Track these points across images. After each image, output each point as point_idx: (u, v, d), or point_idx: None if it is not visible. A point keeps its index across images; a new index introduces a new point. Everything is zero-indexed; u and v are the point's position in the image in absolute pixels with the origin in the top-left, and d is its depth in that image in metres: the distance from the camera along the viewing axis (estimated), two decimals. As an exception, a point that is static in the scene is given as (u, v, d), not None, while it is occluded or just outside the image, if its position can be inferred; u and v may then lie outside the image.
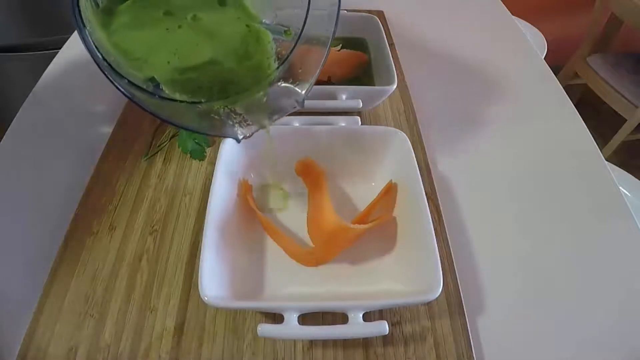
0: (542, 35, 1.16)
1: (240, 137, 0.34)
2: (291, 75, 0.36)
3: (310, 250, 0.35)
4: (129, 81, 0.29)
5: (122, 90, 0.27)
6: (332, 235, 0.35)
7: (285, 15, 0.36)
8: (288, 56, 0.35)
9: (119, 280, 0.36)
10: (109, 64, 0.27)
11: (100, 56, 0.26)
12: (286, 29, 0.36)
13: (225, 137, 0.34)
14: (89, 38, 0.25)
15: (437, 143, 0.51)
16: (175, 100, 0.32)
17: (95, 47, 0.26)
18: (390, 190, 0.39)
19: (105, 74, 0.26)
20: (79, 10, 0.24)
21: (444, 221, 0.42)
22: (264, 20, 0.37)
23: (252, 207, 0.38)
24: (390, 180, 0.40)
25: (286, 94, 0.36)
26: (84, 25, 0.25)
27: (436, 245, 0.32)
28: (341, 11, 0.32)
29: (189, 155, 0.46)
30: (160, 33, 0.31)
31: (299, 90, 0.36)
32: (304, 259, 0.36)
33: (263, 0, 0.36)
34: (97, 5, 0.31)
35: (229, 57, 0.33)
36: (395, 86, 0.47)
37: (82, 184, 0.43)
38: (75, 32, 0.25)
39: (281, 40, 0.35)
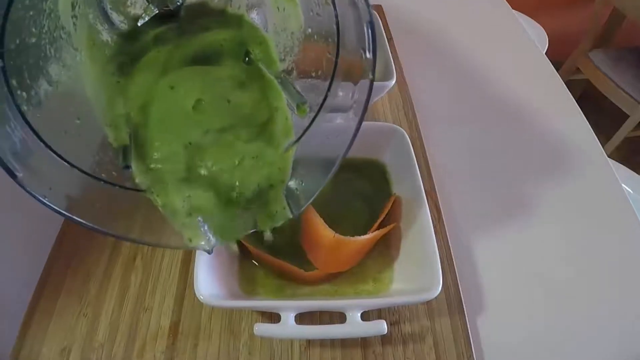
0: (543, 30, 1.15)
1: (211, 246, 0.28)
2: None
3: (314, 273, 0.33)
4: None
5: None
6: (331, 250, 0.33)
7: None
8: (298, 139, 0.29)
9: (113, 280, 0.35)
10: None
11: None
12: (301, 102, 0.29)
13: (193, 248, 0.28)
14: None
15: (437, 139, 0.50)
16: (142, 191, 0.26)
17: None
18: (395, 204, 0.38)
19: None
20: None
21: (444, 219, 0.41)
22: (282, 73, 0.30)
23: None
24: (394, 194, 0.39)
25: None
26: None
27: (436, 244, 0.32)
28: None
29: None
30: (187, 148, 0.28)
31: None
32: (310, 282, 0.35)
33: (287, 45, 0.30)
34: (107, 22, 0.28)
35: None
36: (394, 81, 0.46)
37: (77, 181, 0.42)
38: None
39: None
